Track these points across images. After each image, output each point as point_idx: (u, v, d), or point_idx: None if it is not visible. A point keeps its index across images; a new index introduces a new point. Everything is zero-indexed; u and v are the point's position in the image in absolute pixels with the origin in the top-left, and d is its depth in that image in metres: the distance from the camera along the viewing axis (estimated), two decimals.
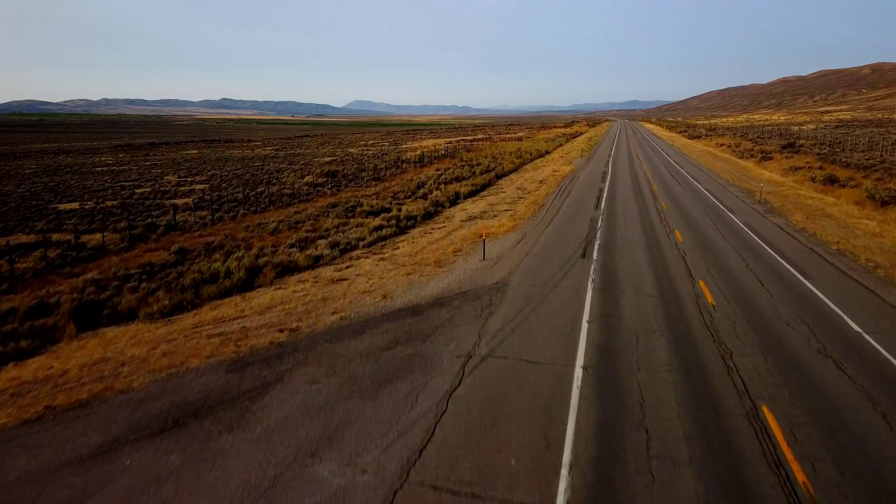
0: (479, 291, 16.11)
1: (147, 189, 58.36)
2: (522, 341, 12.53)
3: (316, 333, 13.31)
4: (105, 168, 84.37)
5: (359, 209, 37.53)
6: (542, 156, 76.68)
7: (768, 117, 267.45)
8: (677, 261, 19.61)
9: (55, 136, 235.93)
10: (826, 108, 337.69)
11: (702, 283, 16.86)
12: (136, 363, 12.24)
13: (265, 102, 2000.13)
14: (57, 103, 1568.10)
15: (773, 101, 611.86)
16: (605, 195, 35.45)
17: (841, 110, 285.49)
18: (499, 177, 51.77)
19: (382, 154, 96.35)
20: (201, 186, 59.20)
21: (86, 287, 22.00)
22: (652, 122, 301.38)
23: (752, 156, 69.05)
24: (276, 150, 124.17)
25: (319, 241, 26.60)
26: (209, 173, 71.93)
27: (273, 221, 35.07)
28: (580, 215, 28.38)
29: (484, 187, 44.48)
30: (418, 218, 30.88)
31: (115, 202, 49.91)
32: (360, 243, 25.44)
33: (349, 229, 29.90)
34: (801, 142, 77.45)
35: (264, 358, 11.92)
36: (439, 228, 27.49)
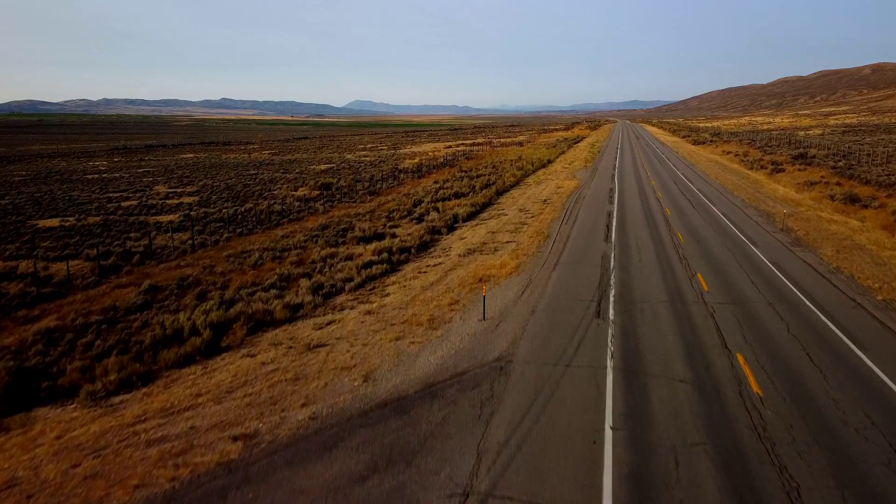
0: (478, 374, 13.55)
1: (134, 202, 55.97)
2: (532, 465, 9.99)
3: (276, 446, 10.77)
4: (96, 175, 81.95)
5: (350, 234, 35.04)
6: (544, 166, 74.11)
7: (770, 119, 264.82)
8: (706, 321, 17.07)
9: (54, 137, 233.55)
10: (828, 109, 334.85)
11: (741, 359, 14.31)
12: (46, 494, 9.73)
13: (265, 102, 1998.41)
14: (57, 103, 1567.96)
15: (774, 101, 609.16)
16: (614, 222, 32.86)
17: (843, 112, 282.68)
18: (499, 193, 49.24)
19: (380, 161, 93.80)
20: (190, 199, 56.79)
21: (35, 343, 19.52)
22: (653, 124, 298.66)
23: (762, 166, 66.52)
24: (273, 154, 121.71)
25: (302, 282, 24.07)
26: (200, 183, 69.50)
27: (257, 249, 32.56)
28: (590, 251, 25.81)
29: (484, 207, 41.96)
30: (412, 250, 28.34)
31: (98, 218, 47.53)
32: (347, 285, 22.90)
33: (337, 263, 27.39)
34: (813, 151, 74.87)
35: (203, 495, 9.38)
36: (434, 266, 24.94)
